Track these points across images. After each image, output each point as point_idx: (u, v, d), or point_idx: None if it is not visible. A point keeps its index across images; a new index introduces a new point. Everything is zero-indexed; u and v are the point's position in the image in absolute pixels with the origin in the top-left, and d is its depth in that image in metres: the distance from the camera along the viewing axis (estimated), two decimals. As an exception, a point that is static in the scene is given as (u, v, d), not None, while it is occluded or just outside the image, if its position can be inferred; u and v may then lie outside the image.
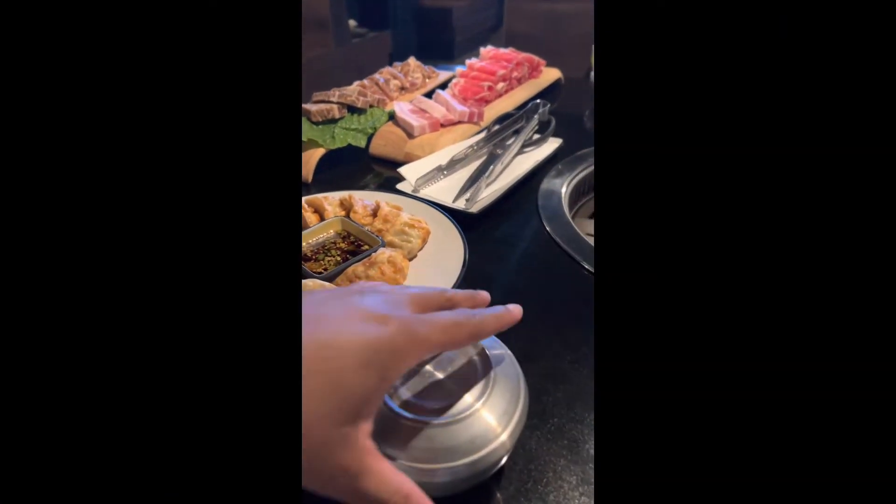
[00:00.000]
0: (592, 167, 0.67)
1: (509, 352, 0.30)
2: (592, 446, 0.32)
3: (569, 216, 0.57)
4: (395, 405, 0.26)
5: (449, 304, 0.28)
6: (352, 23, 2.18)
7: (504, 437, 0.26)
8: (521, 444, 0.32)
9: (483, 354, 0.29)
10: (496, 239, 0.54)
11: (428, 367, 0.28)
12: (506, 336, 0.38)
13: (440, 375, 0.28)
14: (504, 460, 0.29)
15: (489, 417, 0.26)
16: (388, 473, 0.23)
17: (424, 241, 0.50)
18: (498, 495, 0.30)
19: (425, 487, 0.25)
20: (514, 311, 0.28)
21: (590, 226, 0.63)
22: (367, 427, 0.23)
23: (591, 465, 0.31)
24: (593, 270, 0.48)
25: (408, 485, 0.23)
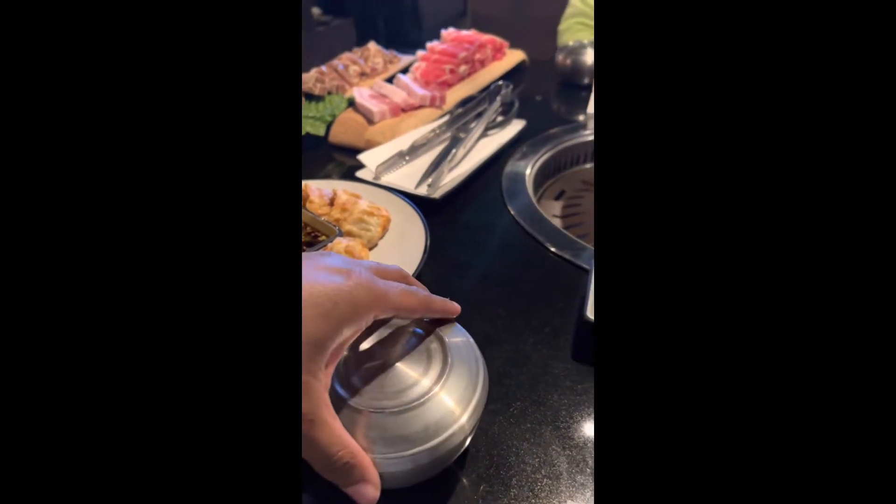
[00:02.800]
0: (556, 148, 0.67)
1: (469, 338, 0.30)
2: (554, 428, 0.32)
3: (533, 199, 0.57)
4: (349, 395, 0.25)
5: (404, 282, 0.29)
6: (315, 10, 2.12)
7: (463, 420, 0.25)
8: (485, 430, 0.31)
9: (440, 340, 0.28)
10: (460, 224, 0.53)
11: (382, 355, 0.27)
12: (469, 319, 0.37)
13: (395, 363, 0.27)
14: (467, 444, 0.28)
15: (447, 401, 0.26)
16: (339, 429, 0.23)
17: (385, 229, 0.49)
18: (463, 480, 0.29)
19: (389, 477, 0.25)
20: (455, 306, 0.30)
21: (556, 207, 0.62)
22: (325, 379, 0.23)
23: (554, 448, 0.30)
24: (557, 254, 0.47)
25: (356, 445, 0.23)
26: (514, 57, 0.91)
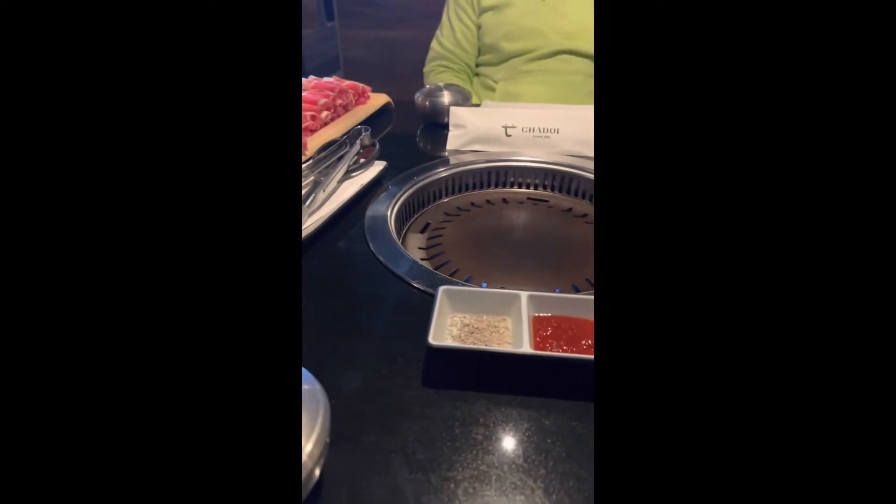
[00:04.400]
0: (419, 184, 0.71)
1: (315, 384, 0.31)
2: (402, 455, 0.33)
3: (394, 234, 0.59)
4: None
5: None
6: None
7: (303, 458, 0.26)
8: (333, 467, 0.32)
9: None
10: (323, 263, 0.54)
11: None
12: (327, 354, 0.38)
13: None
14: (312, 483, 0.29)
15: None
16: None
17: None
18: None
19: None
20: None
21: (421, 240, 0.66)
22: None
23: (402, 474, 0.32)
24: (414, 286, 0.50)
25: None
26: (378, 100, 0.95)
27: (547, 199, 0.75)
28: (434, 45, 1.19)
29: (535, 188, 0.77)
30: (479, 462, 0.33)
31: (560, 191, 0.76)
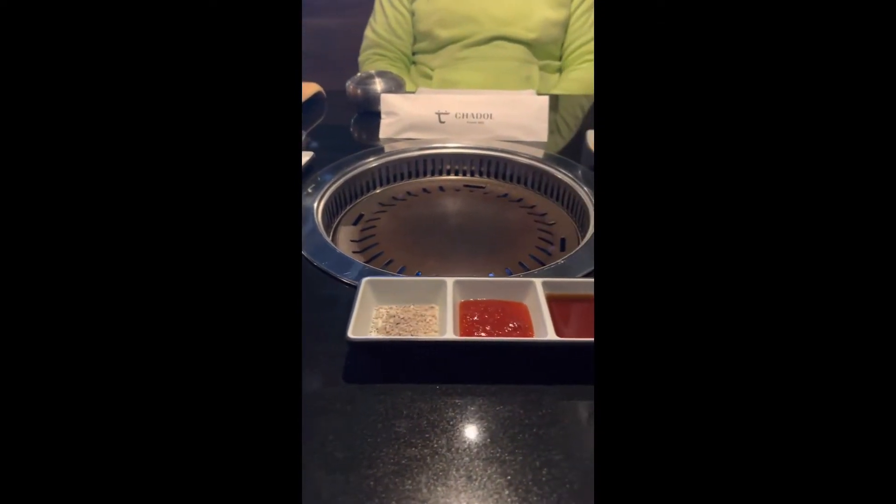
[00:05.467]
0: (349, 175, 0.69)
1: None
2: (320, 456, 0.32)
3: (321, 228, 0.57)
4: None
5: None
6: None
7: None
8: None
9: None
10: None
11: None
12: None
13: None
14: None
15: None
16: None
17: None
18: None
19: None
20: None
21: (354, 232, 0.63)
22: None
23: (318, 474, 0.30)
24: (342, 280, 0.48)
25: None
26: (307, 90, 0.91)
27: (483, 185, 0.75)
28: (368, 32, 1.16)
29: (472, 175, 0.77)
30: (401, 456, 0.31)
31: (496, 176, 0.76)
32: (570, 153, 0.76)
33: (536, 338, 0.38)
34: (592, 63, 1.11)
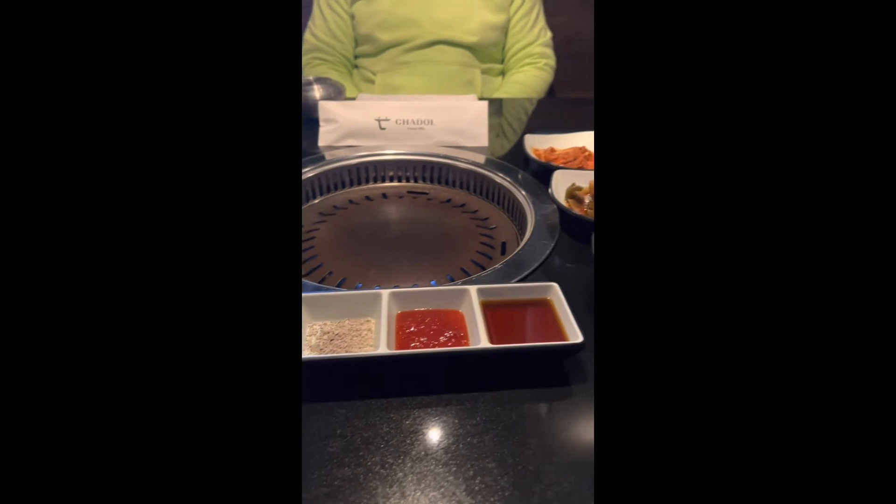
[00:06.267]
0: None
1: None
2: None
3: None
4: None
5: None
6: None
7: None
8: None
9: None
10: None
11: None
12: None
13: None
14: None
15: None
16: None
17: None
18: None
19: None
20: None
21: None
22: None
23: None
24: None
25: None
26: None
27: (427, 191, 0.75)
28: (307, 36, 1.13)
29: (415, 181, 0.77)
30: (333, 477, 0.31)
31: (439, 182, 0.76)
32: (512, 156, 0.77)
33: (470, 346, 0.39)
34: (533, 66, 1.13)
